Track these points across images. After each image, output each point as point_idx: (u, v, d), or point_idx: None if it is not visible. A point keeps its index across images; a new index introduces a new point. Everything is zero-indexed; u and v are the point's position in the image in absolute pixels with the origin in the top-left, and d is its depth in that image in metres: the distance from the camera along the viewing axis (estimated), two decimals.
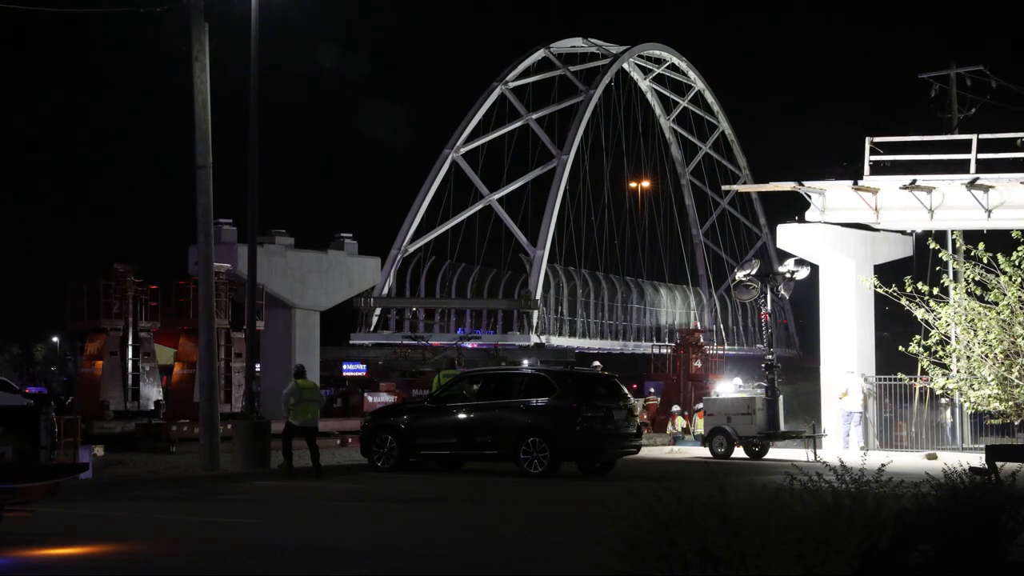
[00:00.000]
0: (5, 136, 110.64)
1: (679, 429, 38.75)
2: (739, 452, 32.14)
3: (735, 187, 65.76)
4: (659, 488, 8.84)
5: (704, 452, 32.93)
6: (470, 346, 55.32)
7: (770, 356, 33.53)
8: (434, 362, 51.58)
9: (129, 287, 35.85)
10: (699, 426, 37.52)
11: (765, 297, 33.81)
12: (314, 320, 41.28)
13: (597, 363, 38.23)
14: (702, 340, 49.06)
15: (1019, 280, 26.73)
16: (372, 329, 66.95)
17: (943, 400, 33.71)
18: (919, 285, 28.67)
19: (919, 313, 28.83)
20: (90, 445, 24.70)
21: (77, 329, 37.41)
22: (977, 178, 33.14)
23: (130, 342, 35.72)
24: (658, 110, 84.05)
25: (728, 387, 34.66)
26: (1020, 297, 26.71)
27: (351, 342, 64.17)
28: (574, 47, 77.17)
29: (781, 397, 33.04)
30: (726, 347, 72.48)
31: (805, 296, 40.17)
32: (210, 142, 25.65)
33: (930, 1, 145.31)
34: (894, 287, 29.39)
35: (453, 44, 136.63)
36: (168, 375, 37.99)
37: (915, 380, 32.61)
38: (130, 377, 35.68)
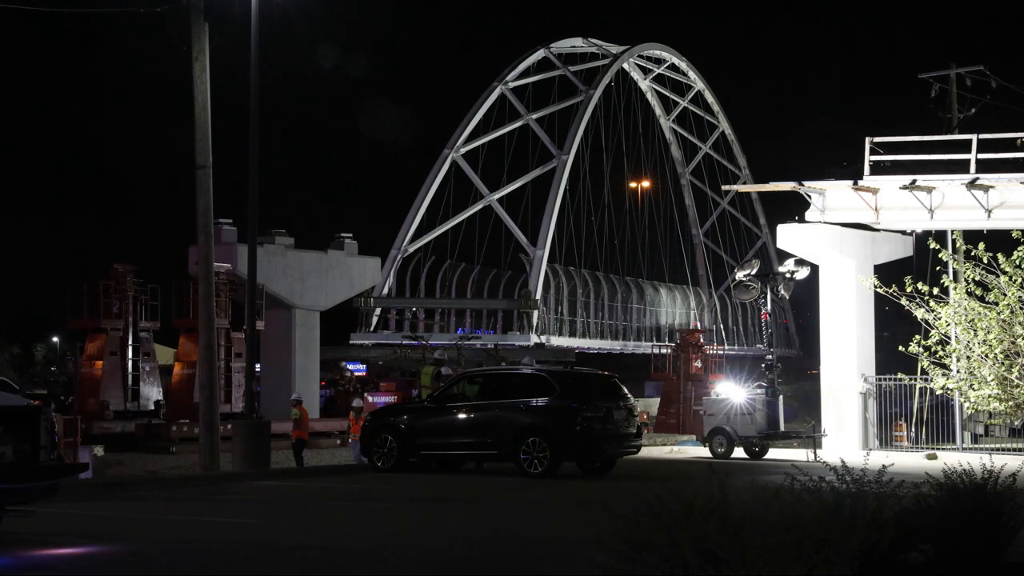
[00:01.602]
0: (4, 136, 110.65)
1: None
2: (739, 452, 32.13)
3: (735, 187, 65.72)
4: (660, 488, 8.84)
5: (704, 452, 32.93)
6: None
7: (770, 356, 33.51)
8: (433, 362, 51.55)
9: (129, 287, 35.83)
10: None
11: (765, 297, 33.81)
12: (314, 320, 41.26)
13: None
14: (702, 340, 48.92)
15: (1019, 280, 26.73)
16: (372, 329, 66.93)
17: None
18: (919, 285, 28.68)
19: (919, 313, 28.84)
20: (90, 445, 24.69)
21: (77, 329, 37.39)
22: (977, 178, 33.14)
23: (130, 342, 35.71)
24: (658, 110, 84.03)
25: (736, 390, 33.86)
26: (1020, 297, 26.71)
27: (351, 342, 64.15)
28: (574, 47, 77.16)
29: (781, 397, 33.03)
30: (726, 347, 72.46)
31: (805, 296, 40.17)
32: (210, 142, 25.65)
33: (930, 1, 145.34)
34: (894, 287, 29.41)
35: (453, 44, 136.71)
36: (168, 375, 37.99)
37: (915, 380, 32.60)
38: (130, 377, 35.69)
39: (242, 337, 35.89)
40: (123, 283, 35.80)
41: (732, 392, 33.29)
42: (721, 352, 53.08)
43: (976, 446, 33.87)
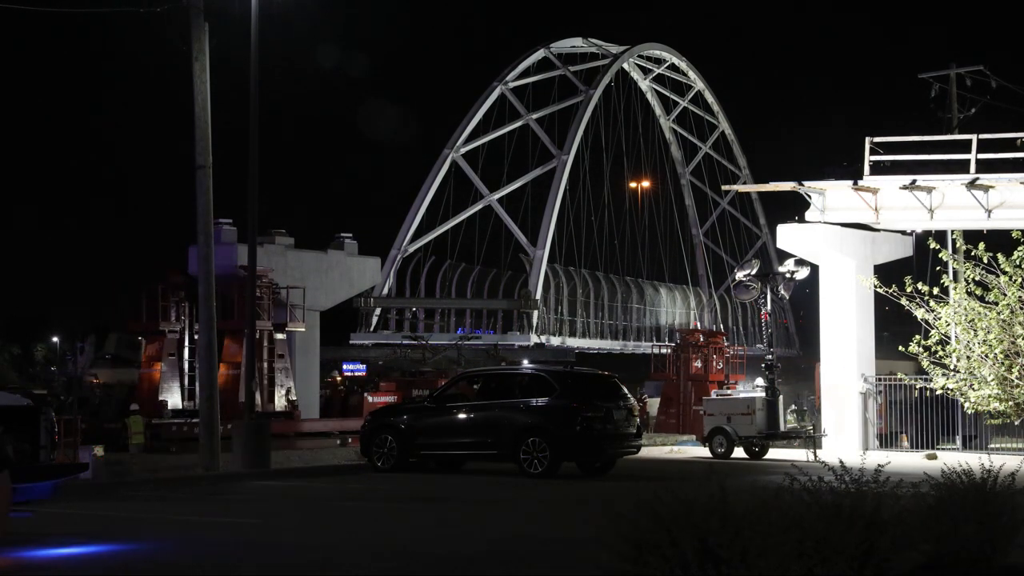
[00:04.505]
0: (2, 136, 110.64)
1: None
2: (739, 452, 32.12)
3: (735, 187, 65.70)
4: (660, 488, 8.84)
5: (704, 452, 32.92)
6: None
7: (770, 356, 33.50)
8: (434, 362, 51.55)
9: (185, 291, 36.18)
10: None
11: (765, 297, 33.80)
12: (314, 320, 41.23)
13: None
14: (724, 342, 48.74)
15: (1019, 280, 26.71)
16: (372, 329, 66.94)
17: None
18: (919, 285, 28.66)
19: (919, 313, 28.81)
20: (90, 445, 24.66)
21: (136, 332, 37.91)
22: (977, 178, 33.13)
23: (186, 344, 36.09)
24: (658, 110, 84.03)
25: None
26: (1020, 297, 26.69)
27: (351, 342, 64.16)
28: (574, 47, 77.17)
29: (781, 397, 33.01)
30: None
31: (805, 296, 40.18)
32: (210, 142, 25.64)
33: (930, 1, 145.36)
34: (894, 287, 29.38)
35: (453, 44, 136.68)
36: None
37: (915, 380, 32.59)
38: (187, 378, 36.09)
39: (283, 338, 36.88)
40: (179, 288, 36.13)
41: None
42: (742, 353, 52.90)
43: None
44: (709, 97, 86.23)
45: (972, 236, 30.58)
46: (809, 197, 35.16)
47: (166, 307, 35.95)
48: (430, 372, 43.34)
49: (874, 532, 9.08)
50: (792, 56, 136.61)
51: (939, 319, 28.61)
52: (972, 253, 27.74)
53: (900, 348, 29.51)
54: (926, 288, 28.58)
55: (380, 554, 14.09)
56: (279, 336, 37.01)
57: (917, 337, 29.09)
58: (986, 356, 27.30)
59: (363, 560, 13.62)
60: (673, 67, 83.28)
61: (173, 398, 35.68)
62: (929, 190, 33.77)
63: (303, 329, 38.68)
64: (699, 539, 8.35)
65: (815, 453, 29.31)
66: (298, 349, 39.80)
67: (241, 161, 26.91)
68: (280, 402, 36.47)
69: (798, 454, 29.83)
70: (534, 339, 64.91)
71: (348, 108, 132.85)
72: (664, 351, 50.08)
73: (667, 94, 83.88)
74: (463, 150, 71.23)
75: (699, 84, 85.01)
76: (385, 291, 67.22)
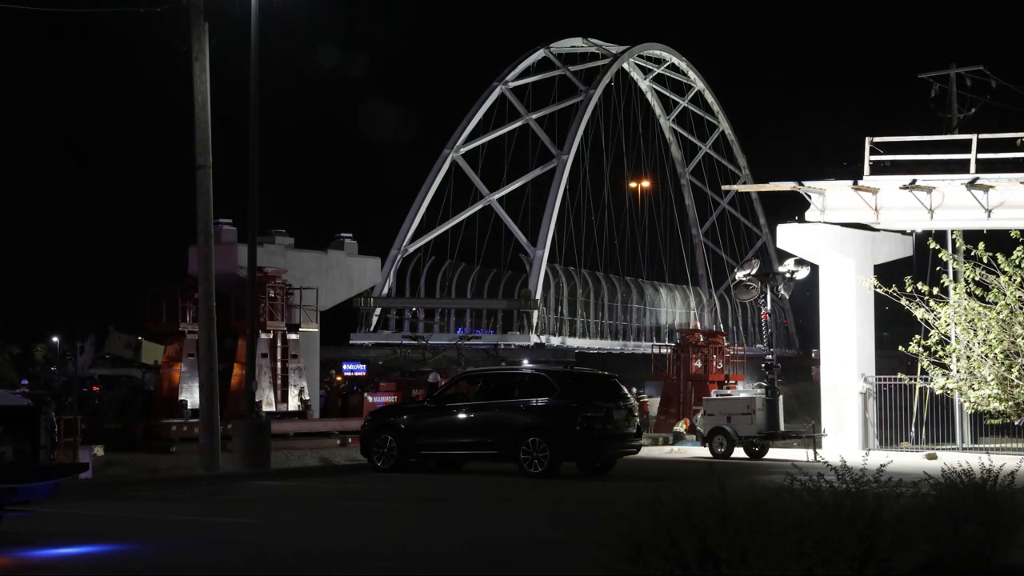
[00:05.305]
0: (2, 136, 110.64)
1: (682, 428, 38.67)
2: (739, 452, 32.13)
3: (735, 187, 65.67)
4: (660, 488, 8.84)
5: (704, 452, 32.93)
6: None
7: (770, 356, 33.51)
8: (434, 362, 51.56)
9: None
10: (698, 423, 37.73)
11: (765, 297, 33.82)
12: None
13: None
14: (724, 342, 48.72)
15: (1019, 280, 26.72)
16: (372, 329, 66.97)
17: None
18: (919, 285, 28.67)
19: (919, 313, 28.83)
20: (90, 445, 24.63)
21: (155, 332, 37.94)
22: (977, 178, 33.12)
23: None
24: (658, 110, 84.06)
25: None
26: (1020, 297, 26.70)
27: (351, 342, 64.17)
28: (574, 47, 77.20)
29: (781, 397, 33.01)
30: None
31: (805, 296, 40.17)
32: (210, 142, 25.64)
33: (930, 1, 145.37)
34: (894, 287, 29.40)
35: (453, 44, 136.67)
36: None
37: (915, 380, 32.58)
38: None
39: (297, 339, 37.00)
40: (196, 288, 36.19)
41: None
42: (742, 353, 52.90)
43: (976, 446, 33.86)
44: (709, 97, 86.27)
45: (972, 236, 30.60)
46: (809, 197, 35.15)
47: (184, 308, 36.05)
48: (430, 372, 43.37)
49: (874, 532, 9.08)
50: (792, 56, 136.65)
51: (939, 319, 28.64)
52: (972, 253, 27.76)
53: (900, 348, 29.54)
54: (926, 288, 28.60)
55: (380, 554, 14.09)
56: (292, 336, 37.15)
57: (917, 337, 29.11)
58: (986, 356, 27.31)
59: (362, 560, 13.62)
60: (673, 67, 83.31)
61: (192, 398, 35.69)
62: (929, 190, 33.75)
63: (316, 330, 38.82)
64: (699, 539, 8.35)
65: (815, 453, 29.31)
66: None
67: (241, 161, 26.92)
68: (293, 402, 36.60)
69: (798, 454, 29.83)
70: (534, 339, 64.93)
71: (348, 108, 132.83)
72: (664, 351, 50.04)
73: (667, 94, 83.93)
74: (463, 150, 71.25)
75: (699, 84, 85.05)
76: (385, 291, 67.23)
